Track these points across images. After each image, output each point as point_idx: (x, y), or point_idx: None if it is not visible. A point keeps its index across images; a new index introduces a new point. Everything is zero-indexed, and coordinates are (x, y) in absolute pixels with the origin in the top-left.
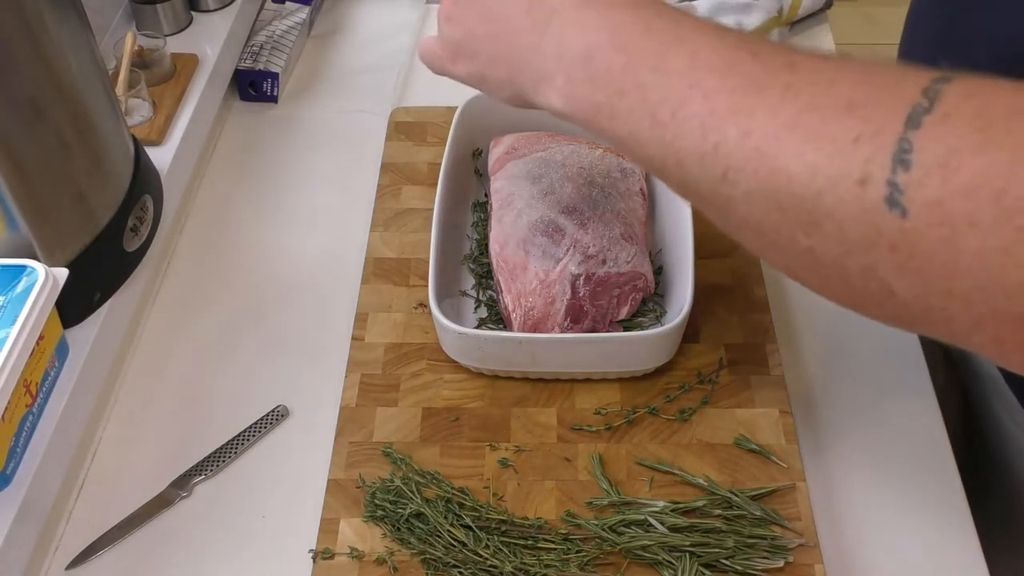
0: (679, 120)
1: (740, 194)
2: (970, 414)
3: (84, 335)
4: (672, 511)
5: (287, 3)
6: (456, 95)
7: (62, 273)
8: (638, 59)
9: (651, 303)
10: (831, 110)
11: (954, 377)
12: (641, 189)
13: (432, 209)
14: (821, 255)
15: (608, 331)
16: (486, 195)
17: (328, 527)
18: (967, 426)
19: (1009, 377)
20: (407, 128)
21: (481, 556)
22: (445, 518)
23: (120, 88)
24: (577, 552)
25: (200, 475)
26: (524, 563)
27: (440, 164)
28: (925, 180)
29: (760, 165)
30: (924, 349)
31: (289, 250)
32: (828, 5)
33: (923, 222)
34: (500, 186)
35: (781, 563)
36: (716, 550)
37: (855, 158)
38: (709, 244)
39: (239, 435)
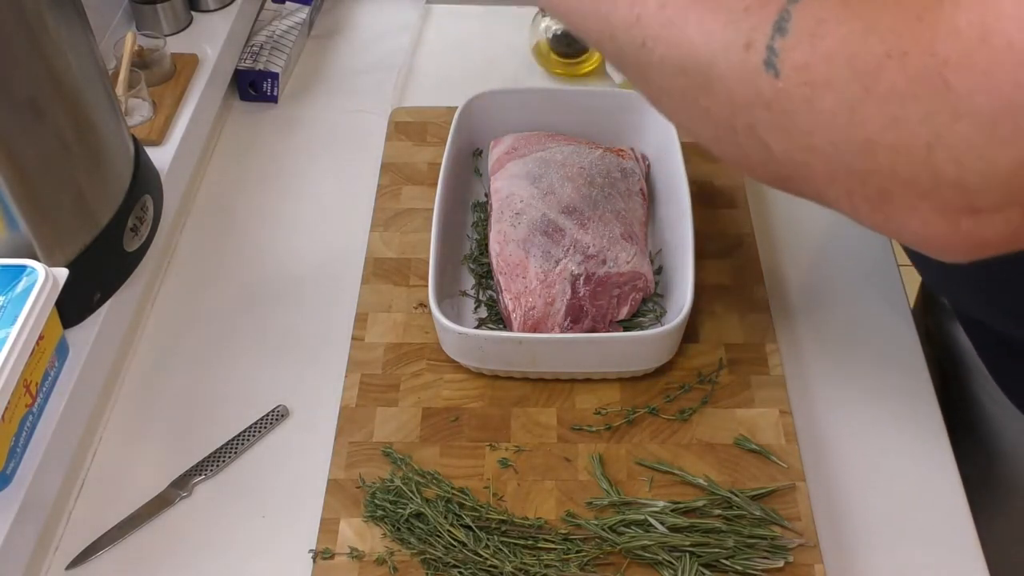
0: None
1: (655, 60)
2: (947, 390)
3: (84, 335)
4: (672, 511)
5: (287, 3)
6: (456, 95)
7: (62, 273)
8: None
9: (651, 303)
10: None
11: (931, 356)
12: (641, 189)
13: (432, 209)
14: (715, 115)
15: (608, 331)
16: (486, 195)
17: (328, 527)
18: (945, 401)
19: (984, 353)
20: (407, 128)
21: (481, 556)
22: (445, 518)
23: (120, 88)
24: (577, 552)
25: (200, 475)
26: (524, 563)
27: (440, 164)
28: (796, 45)
29: (670, 33)
30: None
31: (289, 250)
32: None
33: (791, 82)
34: (500, 186)
35: (781, 563)
36: (716, 550)
37: (743, 26)
38: (709, 244)
39: (239, 435)
